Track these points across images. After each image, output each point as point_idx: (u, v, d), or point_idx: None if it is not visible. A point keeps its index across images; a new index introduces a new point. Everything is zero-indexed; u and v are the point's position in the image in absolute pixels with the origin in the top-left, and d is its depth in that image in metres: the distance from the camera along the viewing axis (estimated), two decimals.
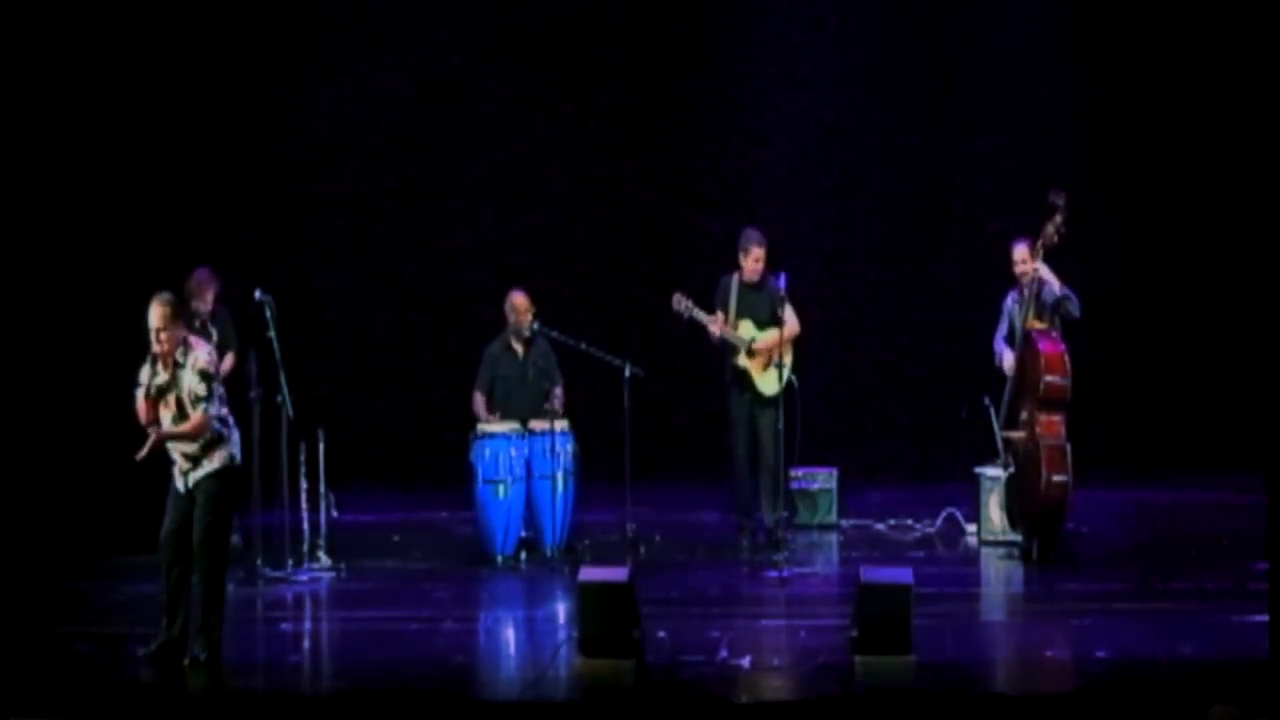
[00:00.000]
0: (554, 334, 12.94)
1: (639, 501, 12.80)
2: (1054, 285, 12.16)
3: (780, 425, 12.42)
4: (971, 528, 13.36)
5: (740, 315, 12.95)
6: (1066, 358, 12.08)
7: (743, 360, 12.93)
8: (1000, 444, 12.53)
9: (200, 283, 12.61)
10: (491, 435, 12.50)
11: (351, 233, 16.32)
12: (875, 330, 16.40)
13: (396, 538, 13.74)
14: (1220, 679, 9.03)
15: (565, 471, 12.56)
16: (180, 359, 9.63)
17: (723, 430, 13.24)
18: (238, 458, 9.83)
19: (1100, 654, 9.69)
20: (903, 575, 9.64)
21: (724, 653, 9.81)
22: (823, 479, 14.07)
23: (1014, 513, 12.52)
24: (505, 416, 12.73)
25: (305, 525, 12.32)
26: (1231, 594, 10.97)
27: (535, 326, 12.86)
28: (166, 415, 9.66)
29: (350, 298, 16.26)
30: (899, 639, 9.36)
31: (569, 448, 12.63)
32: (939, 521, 13.73)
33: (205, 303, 12.58)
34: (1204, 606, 10.80)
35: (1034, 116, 16.08)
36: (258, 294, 12.04)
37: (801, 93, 16.35)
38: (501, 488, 12.37)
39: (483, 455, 12.42)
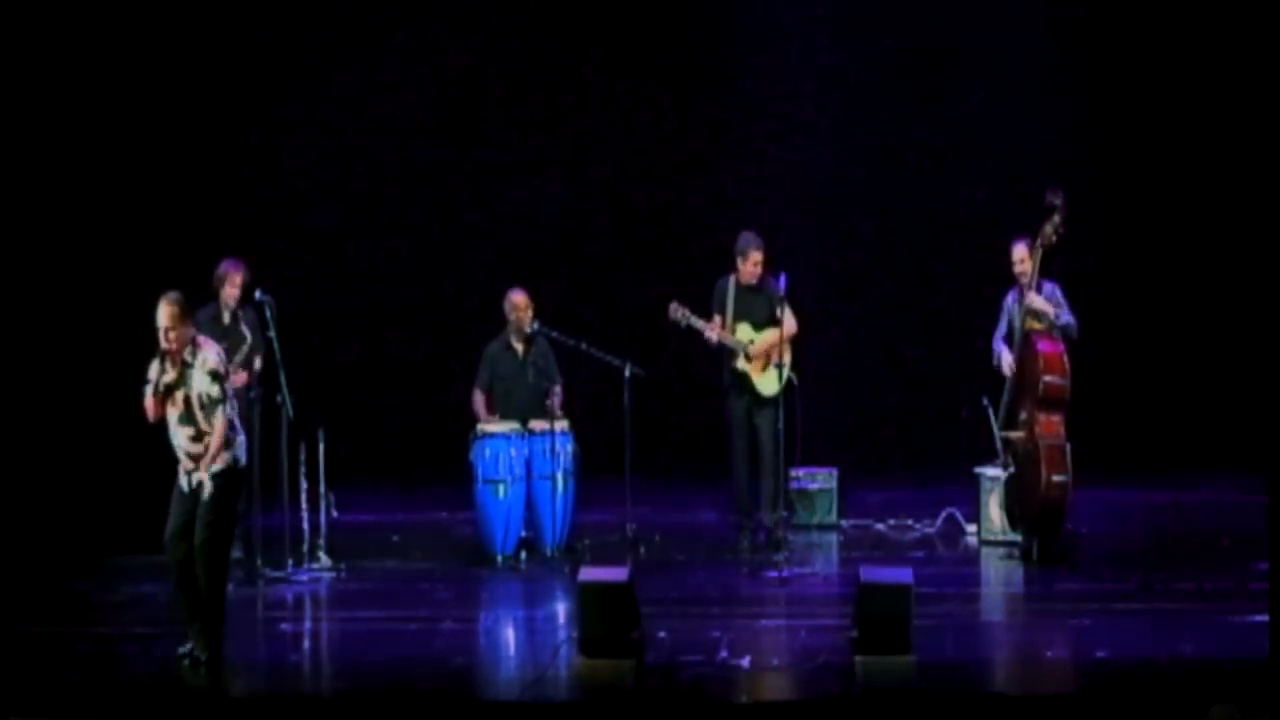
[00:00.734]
0: (554, 334, 12.93)
1: (639, 501, 12.81)
2: (1050, 312, 12.16)
3: (780, 425, 12.42)
4: (971, 528, 13.37)
5: (738, 318, 12.94)
6: (1066, 357, 12.09)
7: (741, 363, 12.92)
8: (1000, 444, 12.53)
9: (227, 271, 12.39)
10: (491, 435, 12.50)
11: (352, 232, 16.31)
12: (875, 331, 16.40)
13: (396, 538, 13.73)
14: (1220, 679, 9.03)
15: (565, 471, 12.56)
16: (189, 358, 9.66)
17: (722, 430, 13.23)
18: (242, 460, 9.85)
19: (1100, 654, 9.70)
20: (903, 575, 9.65)
21: (724, 653, 9.81)
22: (823, 479, 14.07)
23: (1014, 513, 12.52)
24: (505, 416, 12.73)
25: (305, 525, 12.32)
26: (1231, 594, 10.96)
27: (535, 325, 12.86)
28: (173, 413, 9.70)
29: (350, 297, 16.24)
30: (899, 639, 9.37)
31: (569, 448, 12.63)
32: (939, 521, 13.73)
33: (235, 286, 12.24)
34: (1204, 606, 10.80)
35: (1034, 116, 16.06)
36: (258, 294, 12.04)
37: (801, 92, 16.35)
38: (501, 488, 12.37)
39: (483, 455, 12.42)
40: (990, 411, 12.67)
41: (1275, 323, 8.98)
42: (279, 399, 11.94)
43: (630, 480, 12.50)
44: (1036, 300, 12.17)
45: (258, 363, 12.35)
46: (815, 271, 15.26)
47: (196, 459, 9.69)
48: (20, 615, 10.99)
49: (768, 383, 12.82)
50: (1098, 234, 15.30)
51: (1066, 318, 12.25)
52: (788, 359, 12.70)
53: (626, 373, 12.60)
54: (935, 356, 16.06)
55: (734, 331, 12.91)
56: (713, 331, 12.88)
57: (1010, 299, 12.55)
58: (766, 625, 10.84)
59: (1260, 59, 11.90)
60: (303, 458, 12.26)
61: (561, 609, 11.18)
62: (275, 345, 11.94)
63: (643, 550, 12.67)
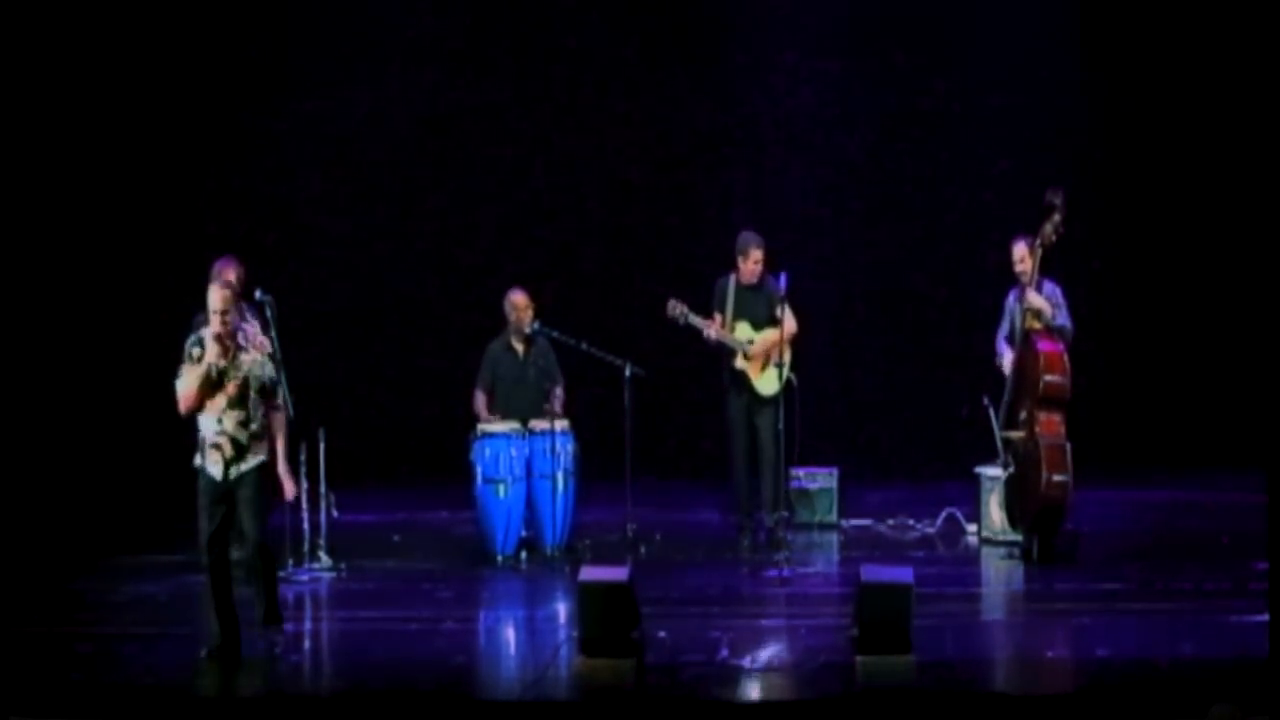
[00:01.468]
0: (554, 333, 12.93)
1: (639, 501, 12.81)
2: (1047, 311, 12.16)
3: (780, 425, 12.42)
4: (971, 528, 13.37)
5: (737, 317, 12.94)
6: (1066, 357, 12.09)
7: (740, 362, 12.92)
8: (1000, 443, 12.53)
9: (220, 269, 12.32)
10: (492, 435, 12.50)
11: (352, 232, 16.32)
12: (875, 331, 16.40)
13: (396, 538, 13.73)
14: (1220, 679, 9.02)
15: (565, 471, 12.56)
16: (242, 342, 9.66)
17: (722, 430, 13.23)
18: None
19: (1100, 654, 9.70)
20: (903, 575, 9.65)
21: (724, 653, 9.81)
22: (823, 479, 14.07)
23: (1014, 512, 12.52)
24: (505, 416, 12.73)
25: (305, 525, 12.32)
26: (1231, 594, 10.96)
27: (535, 325, 12.86)
28: (220, 400, 9.66)
29: (350, 298, 16.25)
30: (899, 639, 9.37)
31: (569, 447, 12.63)
32: (939, 521, 13.73)
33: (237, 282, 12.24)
34: (1204, 606, 10.79)
35: (1033, 116, 16.07)
36: (258, 294, 12.01)
37: (801, 92, 16.36)
38: (502, 487, 12.37)
39: (483, 455, 12.41)
40: (990, 411, 12.67)
41: (1275, 322, 8.98)
42: (279, 399, 11.91)
43: (630, 480, 12.50)
44: (1035, 298, 12.17)
45: None
46: (815, 271, 15.27)
47: (240, 449, 9.66)
48: (21, 615, 10.98)
49: (767, 382, 12.82)
50: (1098, 234, 15.30)
51: (1063, 320, 12.24)
52: (787, 359, 12.70)
53: (626, 373, 12.60)
54: (935, 356, 16.05)
55: (733, 331, 12.92)
56: (711, 329, 12.88)
57: (1012, 297, 12.54)
58: (766, 625, 10.84)
59: (1261, 58, 11.89)
60: (303, 458, 12.26)
61: (562, 609, 11.17)
62: (275, 345, 11.92)
63: (643, 550, 12.67)
